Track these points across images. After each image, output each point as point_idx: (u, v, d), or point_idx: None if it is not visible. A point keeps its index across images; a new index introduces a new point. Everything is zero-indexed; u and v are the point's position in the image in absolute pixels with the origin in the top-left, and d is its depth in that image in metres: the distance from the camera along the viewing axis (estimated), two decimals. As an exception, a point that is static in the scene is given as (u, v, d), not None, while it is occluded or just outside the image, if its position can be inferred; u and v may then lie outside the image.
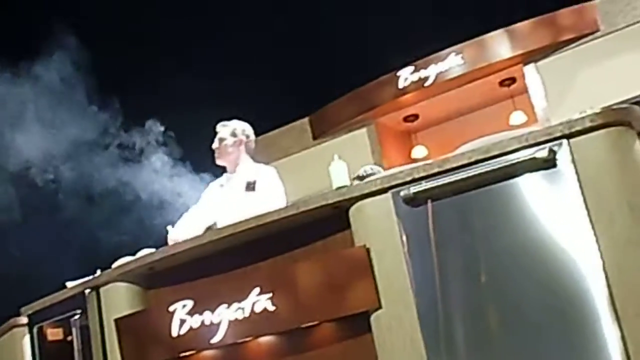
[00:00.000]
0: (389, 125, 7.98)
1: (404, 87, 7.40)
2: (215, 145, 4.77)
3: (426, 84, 7.27)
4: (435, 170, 3.06)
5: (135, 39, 8.37)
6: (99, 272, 4.19)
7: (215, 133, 4.82)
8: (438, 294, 3.01)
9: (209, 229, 4.62)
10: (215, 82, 8.60)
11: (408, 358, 3.04)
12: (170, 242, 4.52)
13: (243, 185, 4.61)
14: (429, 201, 3.08)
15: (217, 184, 4.84)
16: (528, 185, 2.92)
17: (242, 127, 4.77)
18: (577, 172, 2.84)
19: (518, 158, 2.92)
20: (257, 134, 5.31)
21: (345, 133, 7.84)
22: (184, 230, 4.60)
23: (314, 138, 8.10)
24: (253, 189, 4.55)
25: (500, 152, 2.95)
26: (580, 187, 2.83)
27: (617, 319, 2.72)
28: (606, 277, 2.75)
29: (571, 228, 2.83)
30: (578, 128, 2.86)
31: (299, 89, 8.66)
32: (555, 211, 2.86)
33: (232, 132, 4.72)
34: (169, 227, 4.65)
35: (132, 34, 8.32)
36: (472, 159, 2.99)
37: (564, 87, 6.67)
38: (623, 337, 2.70)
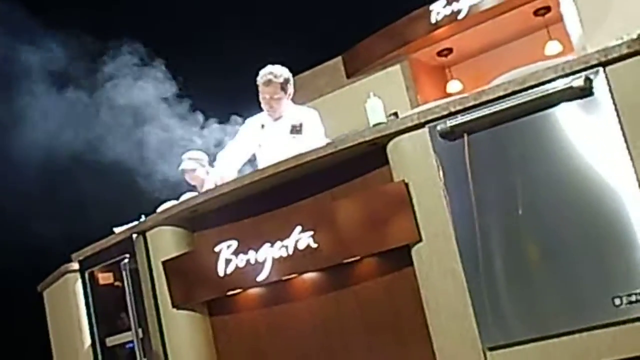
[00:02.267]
0: (422, 60, 7.90)
1: (437, 21, 7.30)
2: (266, 105, 4.80)
3: (459, 17, 7.16)
4: (472, 103, 3.07)
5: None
6: (143, 217, 4.31)
7: (256, 81, 4.84)
8: (476, 226, 3.06)
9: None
10: (247, 23, 8.59)
11: (449, 290, 3.11)
12: (215, 178, 4.67)
13: (288, 129, 4.67)
14: (465, 134, 3.10)
15: (258, 123, 4.88)
16: (565, 115, 2.92)
17: (287, 78, 4.79)
18: (614, 100, 2.83)
19: (554, 88, 2.91)
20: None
21: (379, 70, 7.78)
22: (226, 167, 4.74)
23: (348, 77, 8.06)
24: (299, 132, 4.63)
25: (536, 83, 2.95)
26: (618, 115, 2.82)
27: (656, 246, 2.74)
28: (645, 204, 2.76)
29: (609, 157, 2.83)
30: (614, 55, 2.84)
31: (330, 27, 8.60)
32: (593, 140, 2.87)
33: (281, 87, 4.74)
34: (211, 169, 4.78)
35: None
36: (508, 91, 2.99)
37: (600, 13, 6.52)
38: (662, 263, 2.73)
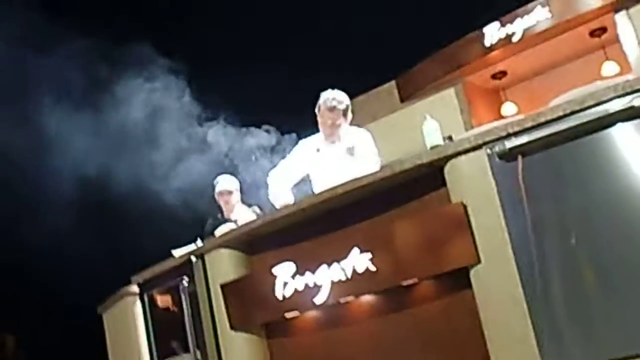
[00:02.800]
0: (477, 83, 7.89)
1: (491, 44, 7.28)
2: (327, 129, 4.81)
3: (513, 40, 7.13)
4: (530, 124, 3.05)
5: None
6: (199, 240, 4.37)
7: (315, 102, 4.88)
8: (533, 249, 3.02)
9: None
10: (301, 50, 8.68)
11: (509, 313, 3.07)
12: (272, 197, 4.72)
13: (344, 151, 4.71)
14: (520, 156, 3.07)
15: (312, 145, 4.92)
16: (624, 136, 2.88)
17: (349, 104, 4.81)
18: (675, 120, 2.79)
19: (614, 108, 2.87)
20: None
21: (432, 94, 7.79)
22: (282, 186, 4.81)
23: (402, 100, 8.08)
24: (352, 154, 4.66)
25: (596, 102, 2.91)
26: (680, 134, 2.78)
27: None
28: None
29: (672, 176, 2.79)
30: (676, 74, 2.80)
31: (384, 51, 8.65)
32: (654, 161, 2.83)
33: (344, 113, 4.77)
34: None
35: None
36: (567, 111, 2.96)
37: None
38: None
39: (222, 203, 5.96)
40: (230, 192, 5.93)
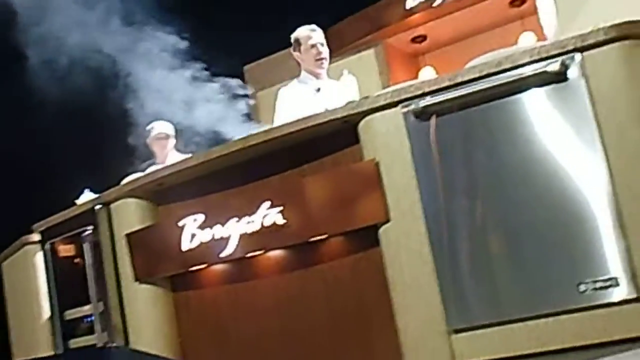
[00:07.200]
0: (396, 46, 7.88)
1: (412, 7, 7.31)
2: (324, 54, 4.78)
3: (434, 4, 7.17)
4: (446, 84, 3.05)
5: None
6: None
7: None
8: (443, 209, 3.03)
9: None
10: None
11: (416, 271, 3.08)
12: None
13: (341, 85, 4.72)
14: (434, 116, 3.06)
15: (308, 89, 4.74)
16: (537, 100, 2.90)
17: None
18: (588, 86, 2.81)
19: (529, 71, 2.89)
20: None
21: (352, 54, 7.74)
22: None
23: (321, 59, 8.02)
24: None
25: (512, 66, 2.92)
26: (592, 101, 2.80)
27: (624, 235, 2.72)
28: (614, 191, 2.75)
29: (580, 143, 2.82)
30: (591, 41, 2.82)
31: (304, 8, 8.51)
32: (564, 126, 2.85)
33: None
34: None
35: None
36: (483, 72, 2.96)
37: (576, 7, 6.55)
38: (629, 252, 2.71)
39: (157, 148, 5.67)
40: (168, 136, 5.64)
